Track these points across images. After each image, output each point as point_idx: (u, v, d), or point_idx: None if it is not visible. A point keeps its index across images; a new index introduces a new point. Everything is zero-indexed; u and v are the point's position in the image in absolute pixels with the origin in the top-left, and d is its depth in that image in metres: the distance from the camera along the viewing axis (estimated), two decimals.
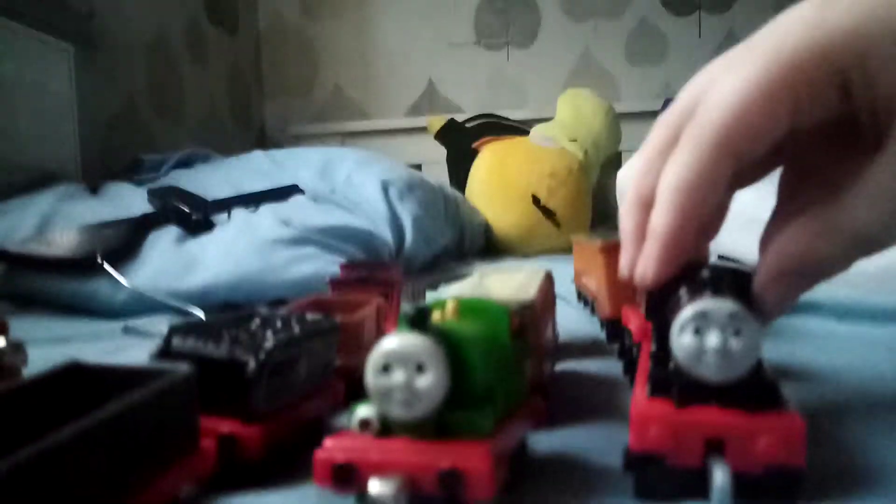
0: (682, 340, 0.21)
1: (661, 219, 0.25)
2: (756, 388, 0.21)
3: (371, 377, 0.20)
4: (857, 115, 0.24)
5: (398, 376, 0.20)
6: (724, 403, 0.21)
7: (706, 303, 0.21)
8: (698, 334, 0.21)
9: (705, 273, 0.23)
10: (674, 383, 0.22)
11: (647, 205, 0.26)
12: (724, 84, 0.24)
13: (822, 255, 0.24)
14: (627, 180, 0.29)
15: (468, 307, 0.25)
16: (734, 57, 0.26)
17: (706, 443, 0.21)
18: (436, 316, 0.24)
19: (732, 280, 0.23)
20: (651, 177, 0.27)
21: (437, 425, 0.21)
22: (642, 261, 0.26)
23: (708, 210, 0.25)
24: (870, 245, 0.24)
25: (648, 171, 0.27)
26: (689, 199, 0.24)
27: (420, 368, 0.20)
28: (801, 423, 0.20)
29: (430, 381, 0.20)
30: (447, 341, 0.21)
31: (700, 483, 0.21)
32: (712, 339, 0.21)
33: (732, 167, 0.24)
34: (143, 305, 0.65)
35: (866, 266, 0.60)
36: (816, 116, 0.24)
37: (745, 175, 0.29)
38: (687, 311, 0.21)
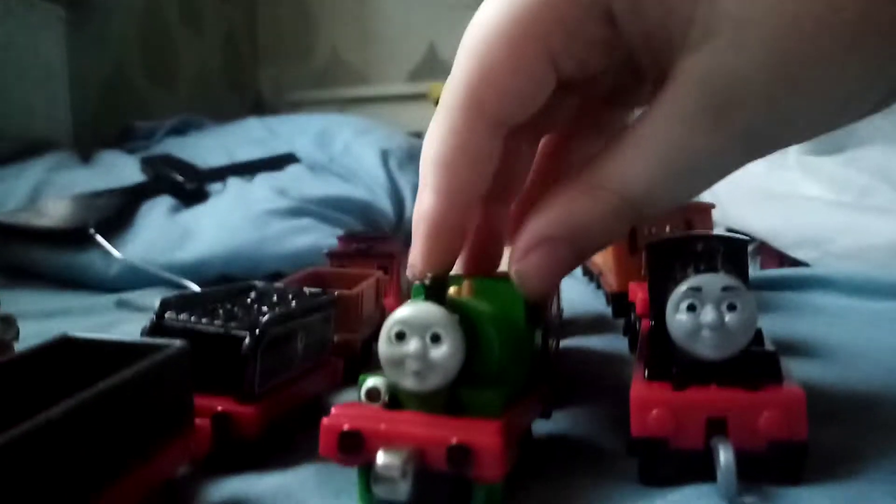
0: (676, 318, 0.21)
1: (422, 199, 0.22)
2: (755, 364, 0.21)
3: (384, 345, 0.20)
4: (634, 53, 0.20)
5: (413, 345, 0.19)
6: (723, 382, 0.21)
7: (699, 278, 0.21)
8: (693, 311, 0.21)
9: (699, 246, 0.23)
10: (672, 365, 0.21)
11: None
12: (470, 28, 0.21)
13: (587, 216, 0.20)
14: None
15: (484, 286, 0.24)
16: None
17: (708, 423, 0.21)
18: (454, 292, 0.23)
19: (727, 251, 0.23)
20: None
21: (448, 402, 0.20)
22: (413, 251, 0.22)
23: (480, 182, 0.21)
24: (641, 206, 0.20)
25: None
26: (448, 176, 0.21)
27: (435, 339, 0.19)
28: (802, 396, 0.20)
29: (445, 352, 0.19)
30: (464, 316, 0.20)
31: (705, 464, 0.21)
32: (707, 314, 0.20)
33: (495, 133, 0.21)
34: (136, 278, 0.64)
35: (875, 240, 0.60)
36: (588, 61, 0.21)
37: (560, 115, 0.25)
38: (680, 288, 0.21)
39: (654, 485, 0.22)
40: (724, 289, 0.21)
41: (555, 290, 0.21)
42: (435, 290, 0.20)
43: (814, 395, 0.21)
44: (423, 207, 0.22)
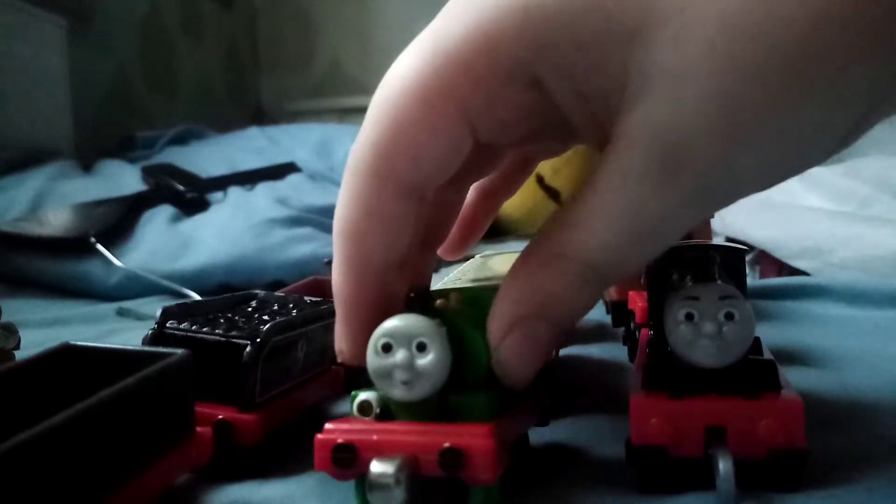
0: (674, 327, 0.21)
1: (335, 278, 0.21)
2: (753, 372, 0.21)
3: (371, 357, 0.20)
4: (566, 114, 0.19)
5: (399, 355, 0.20)
6: (721, 391, 0.21)
7: (697, 288, 0.21)
8: (691, 320, 0.21)
9: (696, 256, 0.23)
10: (670, 374, 0.22)
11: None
12: (382, 86, 0.20)
13: (555, 288, 0.19)
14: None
15: (473, 297, 0.24)
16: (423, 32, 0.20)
17: (707, 431, 0.21)
18: (440, 304, 0.23)
19: (724, 260, 0.23)
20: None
21: (438, 409, 0.20)
22: (338, 336, 0.21)
23: (392, 250, 0.20)
24: (605, 272, 0.19)
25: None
26: (356, 247, 0.20)
27: (421, 348, 0.20)
28: (800, 404, 0.20)
29: (431, 360, 0.20)
30: (451, 325, 0.21)
31: (704, 472, 0.21)
32: (705, 324, 0.21)
33: (407, 197, 0.20)
34: (137, 287, 0.65)
35: (876, 251, 0.60)
36: (511, 124, 0.19)
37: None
38: (678, 297, 0.21)
39: (654, 493, 0.21)
40: (722, 298, 0.21)
41: (538, 370, 0.21)
42: (418, 302, 0.20)
43: (813, 403, 0.21)
44: (336, 285, 0.21)
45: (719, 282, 0.21)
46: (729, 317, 0.21)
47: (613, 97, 0.17)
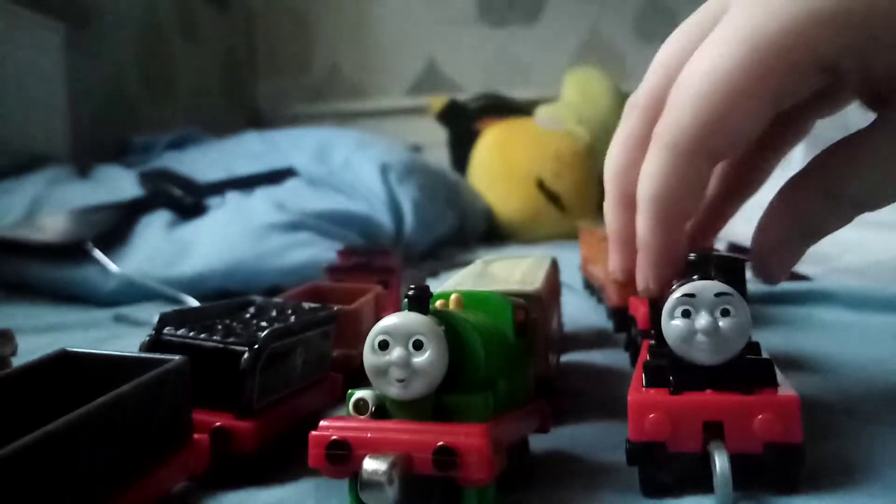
0: (671, 324, 0.22)
1: (646, 232, 0.25)
2: (749, 369, 0.22)
3: (368, 355, 0.20)
4: (849, 87, 0.24)
5: (395, 353, 0.20)
6: (719, 388, 0.21)
7: (693, 285, 0.22)
8: (688, 317, 0.21)
9: (692, 257, 0.24)
10: (668, 372, 0.22)
11: (629, 204, 0.26)
12: (698, 72, 0.23)
13: (823, 218, 0.25)
14: (609, 169, 0.29)
15: (472, 299, 0.25)
16: (707, 24, 0.24)
17: (705, 427, 0.21)
18: (440, 304, 0.23)
19: (720, 263, 0.24)
20: (630, 173, 0.26)
21: (434, 409, 0.20)
22: (640, 273, 0.26)
23: (693, 209, 0.25)
24: (866, 207, 0.24)
25: (627, 167, 0.26)
26: (669, 209, 0.24)
27: (418, 346, 0.20)
28: (796, 399, 0.21)
29: (428, 359, 0.20)
30: (449, 326, 0.21)
31: (703, 469, 0.21)
32: (701, 320, 0.21)
33: (711, 167, 0.24)
34: (134, 293, 0.64)
35: (881, 256, 0.59)
36: (802, 98, 0.23)
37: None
38: (674, 294, 0.22)
39: (654, 491, 0.22)
40: (718, 294, 0.21)
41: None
42: (416, 300, 0.20)
43: (813, 408, 0.21)
44: (646, 235, 0.25)
45: (715, 281, 0.22)
46: (725, 313, 0.21)
47: None
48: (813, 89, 0.23)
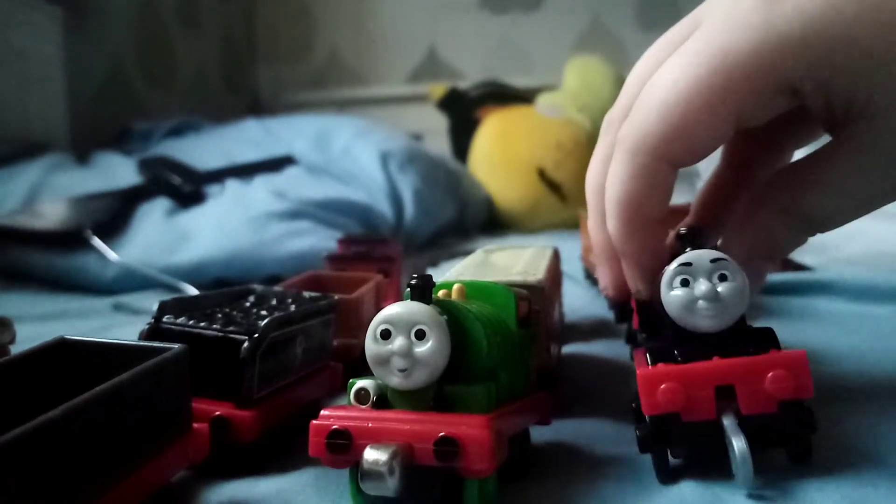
0: (671, 294, 0.22)
1: (618, 238, 0.25)
2: (753, 334, 0.22)
3: (370, 344, 0.20)
4: (809, 110, 0.24)
5: (398, 342, 0.20)
6: (724, 355, 0.21)
7: (689, 254, 0.22)
8: (686, 286, 0.22)
9: (682, 230, 0.24)
10: (672, 348, 0.22)
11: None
12: (664, 81, 0.24)
13: (783, 237, 0.25)
14: (589, 186, 0.30)
15: (475, 290, 0.24)
16: (681, 41, 0.25)
17: (717, 392, 0.21)
18: (442, 294, 0.23)
19: (710, 235, 0.25)
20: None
21: (435, 399, 0.20)
22: (628, 279, 0.27)
23: (662, 211, 0.25)
24: (819, 227, 0.25)
25: (605, 183, 0.26)
26: (633, 211, 0.25)
27: (420, 336, 0.20)
28: (804, 355, 0.21)
29: (430, 349, 0.19)
30: (451, 316, 0.21)
31: (719, 440, 0.21)
32: (701, 286, 0.21)
33: (673, 172, 0.25)
34: (133, 281, 0.64)
35: (882, 246, 0.59)
36: (762, 119, 0.24)
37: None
38: (671, 265, 0.22)
39: (669, 477, 0.22)
40: (714, 260, 0.22)
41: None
42: (419, 290, 0.20)
43: (814, 398, 0.21)
44: (620, 242, 0.25)
45: (708, 249, 0.22)
46: (722, 278, 0.21)
47: (856, 104, 0.22)
48: (776, 112, 0.24)
